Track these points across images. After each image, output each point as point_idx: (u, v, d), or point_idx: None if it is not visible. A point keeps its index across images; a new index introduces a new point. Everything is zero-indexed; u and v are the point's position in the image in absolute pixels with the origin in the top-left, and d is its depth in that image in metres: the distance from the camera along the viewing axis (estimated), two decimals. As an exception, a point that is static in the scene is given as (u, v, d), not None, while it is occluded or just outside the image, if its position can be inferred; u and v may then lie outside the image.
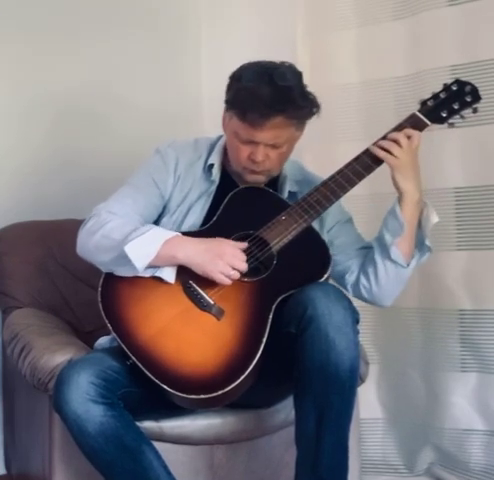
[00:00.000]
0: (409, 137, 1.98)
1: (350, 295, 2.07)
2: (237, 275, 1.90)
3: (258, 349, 1.84)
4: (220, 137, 2.14)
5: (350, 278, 2.10)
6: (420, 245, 2.04)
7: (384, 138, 2.00)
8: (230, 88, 2.01)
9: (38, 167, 2.74)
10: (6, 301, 2.49)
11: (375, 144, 2.00)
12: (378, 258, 2.04)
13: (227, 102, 2.01)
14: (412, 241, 2.03)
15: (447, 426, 2.58)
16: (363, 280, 2.07)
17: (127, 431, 1.83)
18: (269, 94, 1.90)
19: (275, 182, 2.13)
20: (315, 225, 2.04)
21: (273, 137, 1.96)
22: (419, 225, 2.03)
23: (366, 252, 2.10)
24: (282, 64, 1.98)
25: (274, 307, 1.89)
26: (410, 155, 1.97)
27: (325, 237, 2.10)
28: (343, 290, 2.01)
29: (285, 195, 2.10)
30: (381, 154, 1.97)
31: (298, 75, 1.98)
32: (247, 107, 1.92)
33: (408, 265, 2.03)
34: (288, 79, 1.93)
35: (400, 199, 2.00)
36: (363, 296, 2.10)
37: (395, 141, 1.97)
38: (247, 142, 1.97)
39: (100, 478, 1.86)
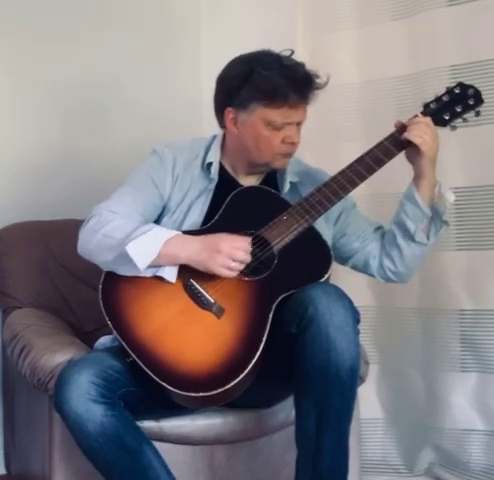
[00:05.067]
0: None
1: (377, 278, 2.16)
2: (239, 266, 1.91)
3: (258, 348, 1.84)
4: (215, 137, 2.16)
5: (374, 263, 2.14)
6: (432, 219, 2.08)
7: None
8: (244, 84, 2.01)
9: (38, 167, 2.73)
10: (6, 301, 2.48)
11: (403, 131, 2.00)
12: (402, 242, 2.08)
13: (251, 96, 2.00)
14: (429, 219, 2.08)
15: (447, 426, 2.58)
16: (387, 263, 2.12)
17: (127, 431, 1.83)
18: (297, 75, 1.97)
19: (275, 174, 2.15)
20: (320, 217, 2.03)
21: (304, 113, 2.03)
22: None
23: (380, 234, 2.16)
24: (265, 50, 2.05)
25: (274, 306, 1.89)
26: (437, 142, 2.01)
27: (333, 228, 2.14)
28: (369, 276, 2.16)
29: (287, 186, 2.12)
30: (417, 140, 1.98)
31: (292, 53, 2.04)
32: (287, 91, 1.96)
33: (429, 240, 2.09)
34: (292, 59, 2.02)
35: (419, 183, 2.04)
36: (389, 278, 2.16)
37: (423, 128, 1.99)
38: (281, 127, 2.01)
39: (100, 478, 1.86)
